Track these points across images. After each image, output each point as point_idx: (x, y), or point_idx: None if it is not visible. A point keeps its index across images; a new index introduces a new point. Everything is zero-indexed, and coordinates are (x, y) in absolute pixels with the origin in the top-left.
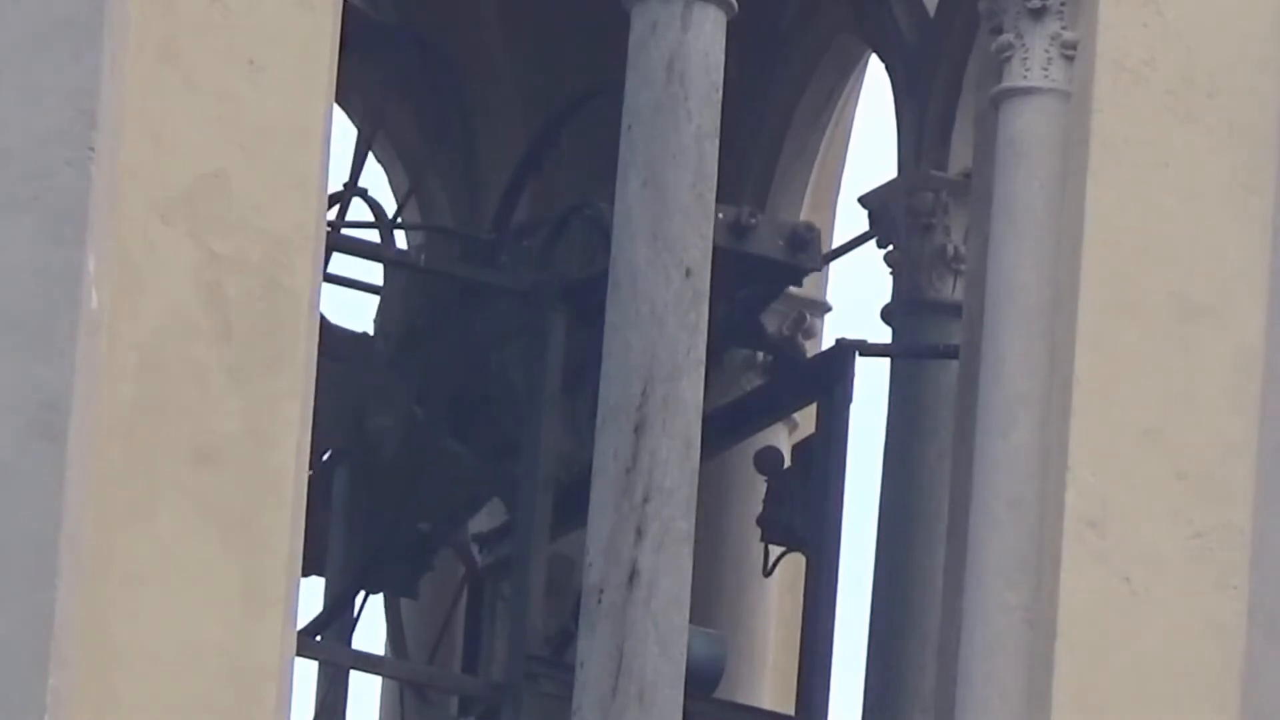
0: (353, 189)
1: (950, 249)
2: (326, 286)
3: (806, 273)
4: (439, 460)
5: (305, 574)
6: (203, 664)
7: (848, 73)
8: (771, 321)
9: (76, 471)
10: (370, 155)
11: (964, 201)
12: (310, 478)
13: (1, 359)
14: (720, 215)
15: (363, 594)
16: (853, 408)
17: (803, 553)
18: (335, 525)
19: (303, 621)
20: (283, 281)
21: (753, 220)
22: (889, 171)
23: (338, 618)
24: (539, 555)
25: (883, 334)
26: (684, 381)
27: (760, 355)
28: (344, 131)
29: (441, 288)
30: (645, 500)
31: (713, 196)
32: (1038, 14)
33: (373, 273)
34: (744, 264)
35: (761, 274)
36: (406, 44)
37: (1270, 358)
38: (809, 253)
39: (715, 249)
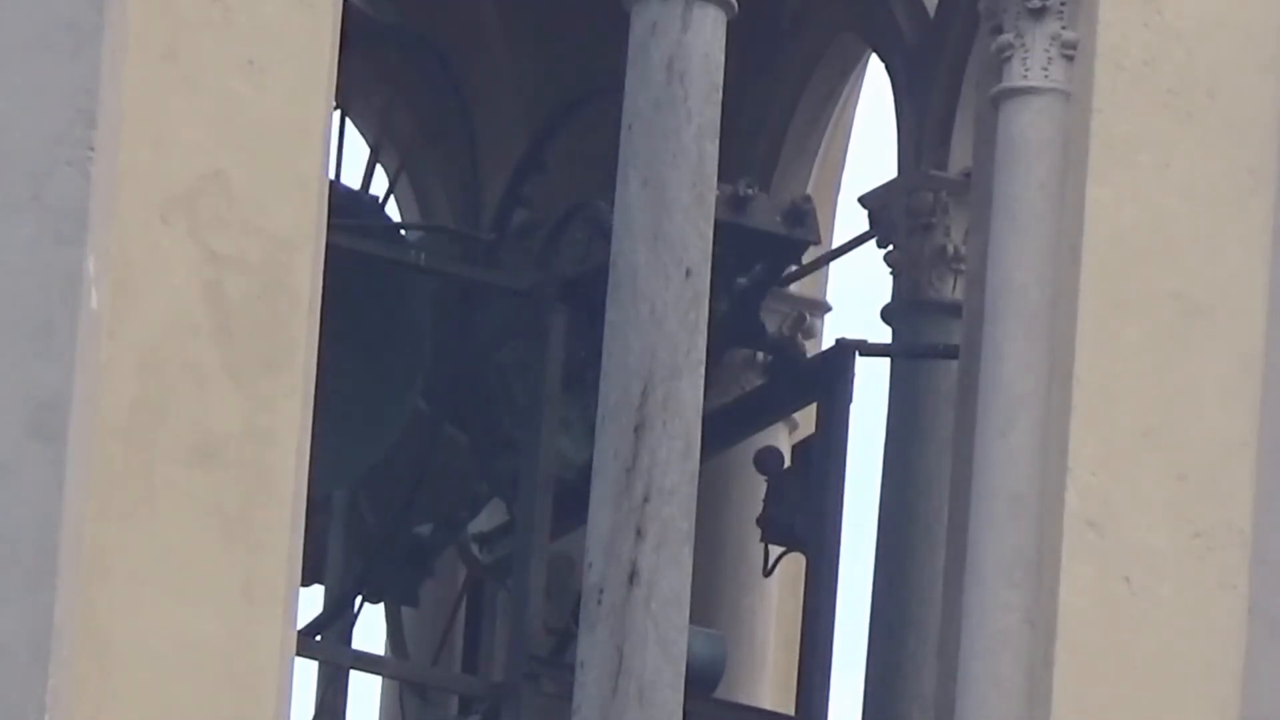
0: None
1: (950, 249)
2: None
3: (805, 247)
4: (440, 460)
5: (305, 582)
6: (203, 664)
7: (848, 73)
8: (771, 321)
9: (76, 471)
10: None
11: (964, 201)
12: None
13: (1, 359)
14: (717, 191)
15: (360, 600)
16: (853, 408)
17: (803, 553)
18: (334, 529)
19: (303, 621)
20: (283, 281)
21: (750, 192)
22: (889, 171)
23: (338, 618)
24: (539, 555)
25: (883, 334)
26: (684, 381)
27: (760, 355)
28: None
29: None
30: (645, 500)
31: (713, 197)
32: (1038, 14)
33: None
34: (743, 239)
35: (762, 250)
36: (406, 43)
37: (1270, 358)
38: (807, 226)
39: (715, 224)
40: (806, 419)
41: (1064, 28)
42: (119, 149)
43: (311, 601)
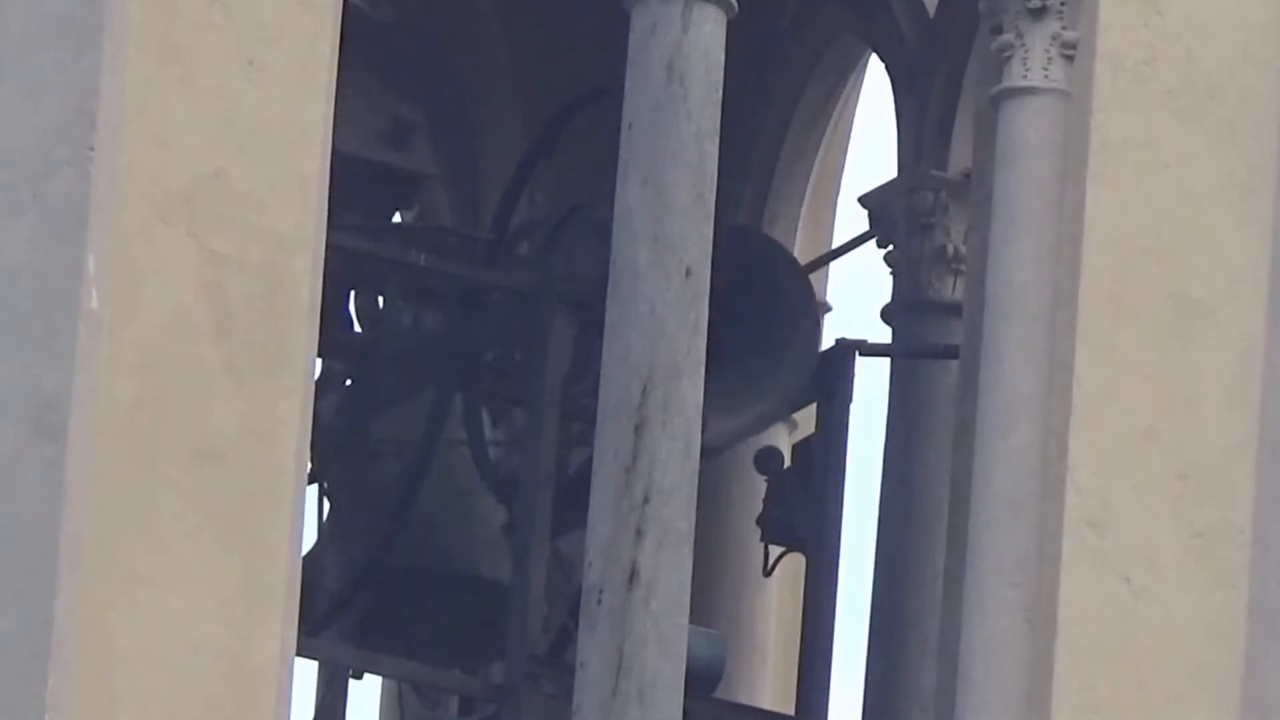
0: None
1: (950, 249)
2: None
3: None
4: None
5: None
6: (203, 664)
7: (848, 73)
8: None
9: (76, 471)
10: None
11: (964, 201)
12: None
13: (1, 359)
14: None
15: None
16: (853, 408)
17: (803, 553)
18: (333, 527)
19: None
20: (283, 281)
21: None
22: (889, 171)
23: (338, 618)
24: (539, 555)
25: (883, 334)
26: (684, 381)
27: None
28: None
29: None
30: (645, 500)
31: (713, 196)
32: (1038, 14)
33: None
34: None
35: None
36: (406, 43)
37: (1270, 358)
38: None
39: None
40: (806, 419)
41: (1064, 28)
42: (119, 149)
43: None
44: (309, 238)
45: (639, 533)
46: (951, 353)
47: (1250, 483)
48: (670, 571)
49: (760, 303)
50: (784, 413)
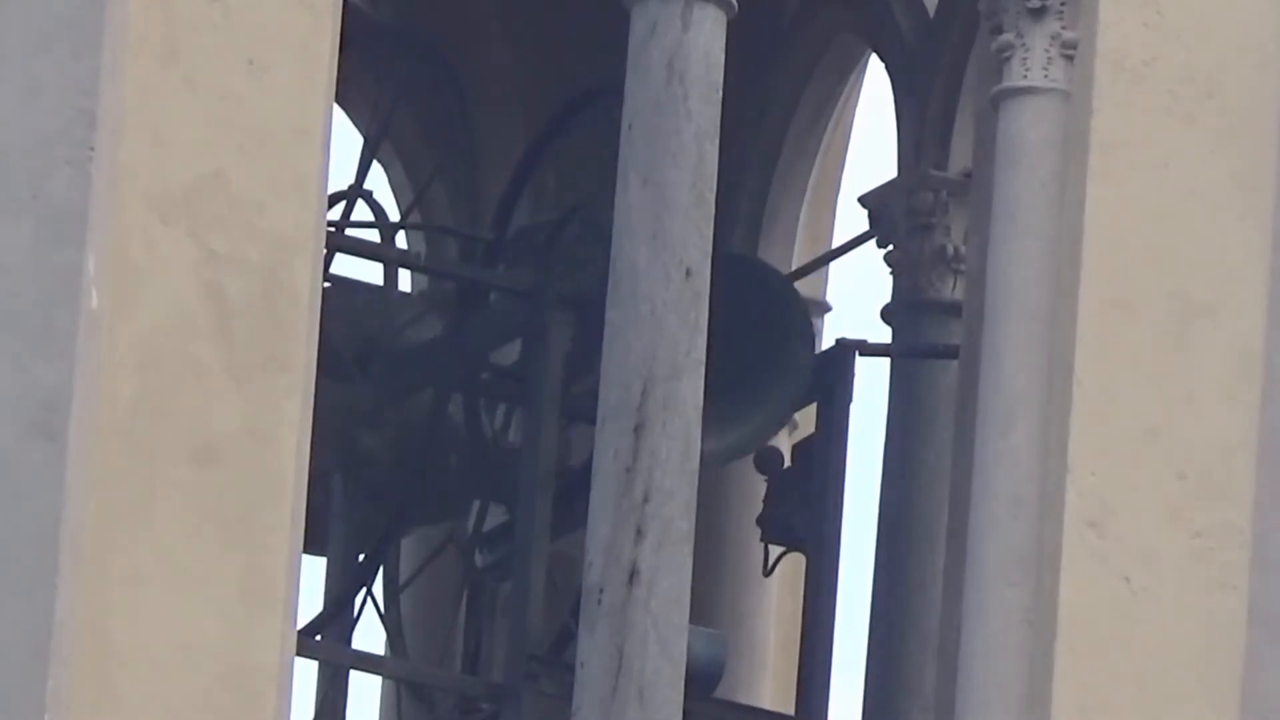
0: (358, 189)
1: (950, 249)
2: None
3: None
4: (437, 460)
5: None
6: (203, 664)
7: (848, 73)
8: None
9: (76, 471)
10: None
11: (964, 201)
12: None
13: (1, 359)
14: None
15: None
16: (853, 408)
17: (803, 553)
18: (335, 522)
19: (302, 621)
20: (283, 281)
21: None
22: (889, 171)
23: (338, 618)
24: (539, 555)
25: (883, 334)
26: (684, 381)
27: None
28: (345, 132)
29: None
30: (645, 500)
31: (713, 196)
32: (1038, 14)
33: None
34: None
35: None
36: (406, 44)
37: (1270, 358)
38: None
39: None
40: (806, 419)
41: (1064, 28)
42: (119, 149)
43: (311, 601)
44: (309, 238)
45: (639, 532)
46: (951, 353)
47: (1250, 483)
48: (670, 571)
49: (754, 322)
50: (778, 423)
